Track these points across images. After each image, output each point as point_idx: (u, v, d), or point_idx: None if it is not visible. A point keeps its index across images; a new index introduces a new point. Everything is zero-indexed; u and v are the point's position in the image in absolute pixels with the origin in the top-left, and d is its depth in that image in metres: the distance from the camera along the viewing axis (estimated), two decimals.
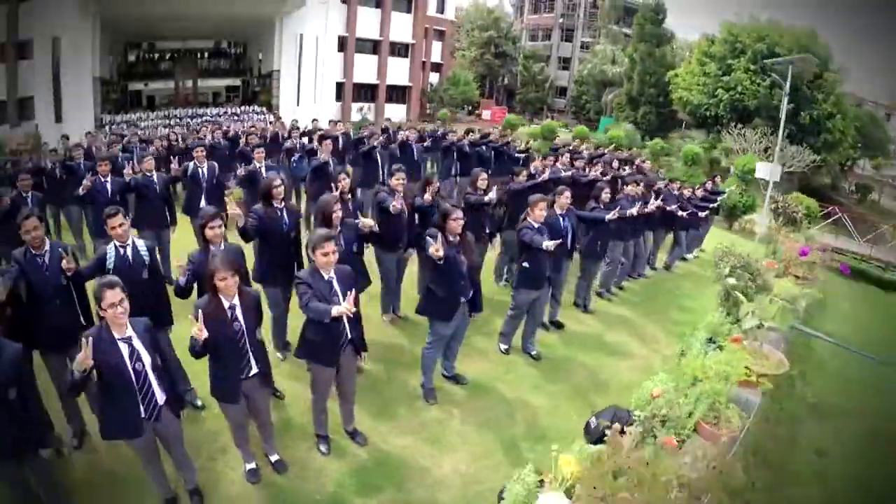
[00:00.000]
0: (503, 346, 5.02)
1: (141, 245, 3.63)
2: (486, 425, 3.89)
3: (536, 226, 4.40)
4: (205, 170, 6.05)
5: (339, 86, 24.69)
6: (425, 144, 9.29)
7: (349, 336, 3.19)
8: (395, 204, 4.37)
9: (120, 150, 8.09)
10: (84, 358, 2.41)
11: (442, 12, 29.81)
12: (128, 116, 19.88)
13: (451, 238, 3.63)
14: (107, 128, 19.28)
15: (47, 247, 3.40)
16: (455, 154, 8.89)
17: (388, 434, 3.72)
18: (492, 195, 5.29)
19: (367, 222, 3.82)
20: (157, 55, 24.08)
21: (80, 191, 5.25)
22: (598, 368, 4.94)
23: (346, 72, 24.91)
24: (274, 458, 3.40)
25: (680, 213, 7.36)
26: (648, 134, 23.10)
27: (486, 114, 30.42)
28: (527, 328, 4.95)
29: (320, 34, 20.70)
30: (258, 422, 3.26)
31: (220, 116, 21.30)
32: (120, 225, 3.51)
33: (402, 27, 26.68)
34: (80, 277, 3.44)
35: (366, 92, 26.74)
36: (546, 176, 6.44)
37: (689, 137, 22.48)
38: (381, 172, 7.71)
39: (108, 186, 5.48)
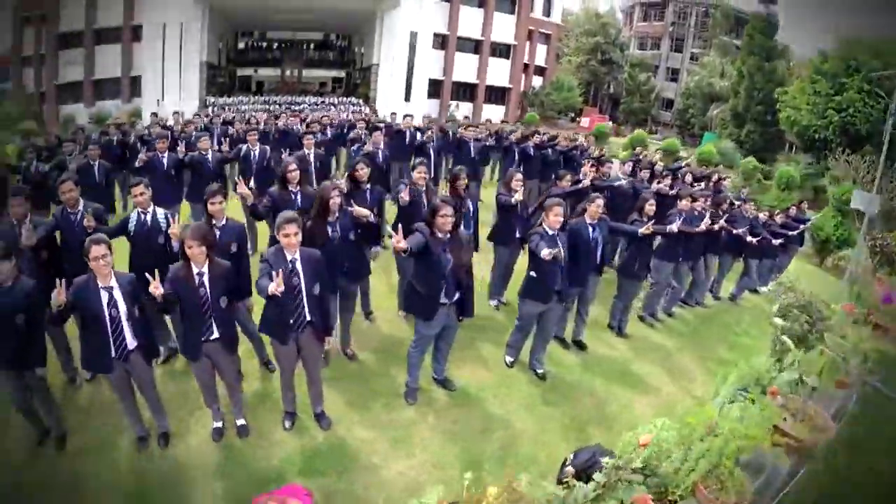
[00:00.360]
0: (508, 359, 4.65)
1: (160, 213, 3.92)
2: (456, 437, 3.58)
3: (550, 233, 3.99)
4: (256, 152, 6.36)
5: (438, 83, 24.97)
6: (486, 143, 9.00)
7: (307, 318, 3.12)
8: (403, 195, 4.26)
9: (201, 128, 8.88)
10: (57, 295, 2.67)
11: (548, 15, 28.93)
12: (230, 99, 21.87)
13: (439, 235, 3.41)
14: (209, 109, 21.45)
15: (80, 206, 3.87)
16: (516, 155, 8.56)
17: (355, 425, 3.60)
18: (518, 196, 4.97)
19: (361, 211, 3.72)
20: (265, 44, 26.24)
21: (137, 163, 5.84)
22: (609, 399, 4.36)
23: (445, 70, 25.13)
24: (239, 422, 3.47)
25: (749, 238, 6.43)
26: (752, 154, 20.72)
27: (584, 121, 28.95)
28: (534, 343, 4.53)
29: (418, 30, 21.19)
30: (225, 383, 3.34)
31: (318, 105, 22.64)
32: (141, 194, 3.84)
33: (504, 28, 26.36)
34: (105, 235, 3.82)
35: (465, 91, 26.76)
36: (587, 182, 5.93)
37: (794, 161, 19.78)
38: (432, 167, 7.68)
39: (164, 161, 5.96)
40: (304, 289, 3.03)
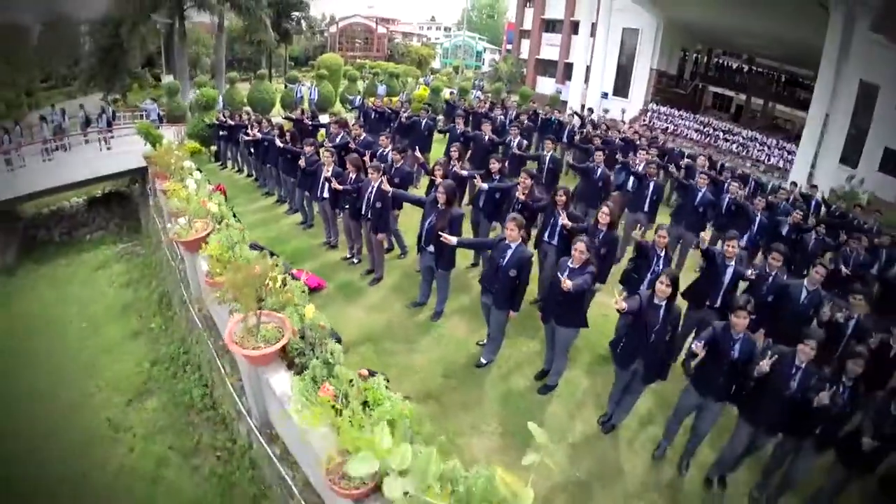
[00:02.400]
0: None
1: (392, 153, 8.02)
2: (393, 334, 6.04)
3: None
4: (515, 142, 9.81)
5: None
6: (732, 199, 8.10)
7: (368, 215, 6.48)
8: (479, 183, 6.81)
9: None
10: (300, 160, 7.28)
11: None
12: (668, 110, 24.23)
13: (438, 200, 5.60)
14: (648, 114, 24.58)
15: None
16: (756, 224, 7.52)
17: (381, 289, 6.90)
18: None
19: (448, 184, 6.04)
20: (734, 65, 26.43)
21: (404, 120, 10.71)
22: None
23: None
24: (347, 253, 7.53)
25: None
26: None
27: None
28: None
29: (885, 85, 16.67)
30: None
31: (749, 140, 22.07)
32: (386, 138, 8.17)
33: None
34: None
35: None
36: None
37: None
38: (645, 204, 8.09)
39: (422, 123, 10.54)
40: (371, 202, 6.40)
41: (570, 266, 4.73)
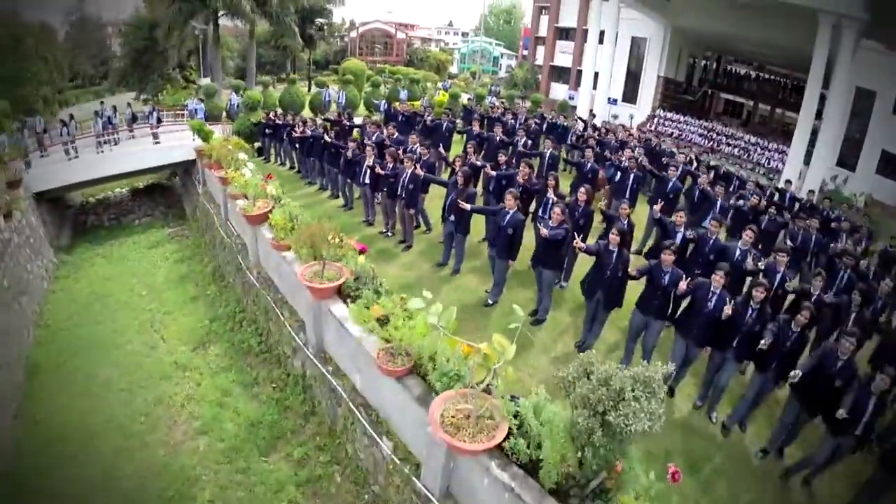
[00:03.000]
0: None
1: (419, 148, 9.93)
2: (417, 281, 8.05)
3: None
4: (522, 142, 11.65)
5: None
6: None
7: (402, 195, 8.41)
8: (489, 171, 8.61)
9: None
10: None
11: None
12: (675, 116, 25.87)
13: (458, 182, 7.60)
14: (655, 119, 26.24)
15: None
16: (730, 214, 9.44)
17: (409, 254, 8.87)
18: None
19: (465, 169, 8.19)
20: (743, 72, 28.05)
21: (428, 123, 12.73)
22: None
23: None
24: (384, 228, 9.51)
25: None
26: None
27: None
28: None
29: (881, 90, 18.11)
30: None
31: (751, 144, 23.70)
32: (414, 141, 10.10)
33: None
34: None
35: None
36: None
37: None
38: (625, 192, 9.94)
39: (443, 126, 12.58)
40: (406, 184, 8.33)
41: (550, 224, 6.62)
